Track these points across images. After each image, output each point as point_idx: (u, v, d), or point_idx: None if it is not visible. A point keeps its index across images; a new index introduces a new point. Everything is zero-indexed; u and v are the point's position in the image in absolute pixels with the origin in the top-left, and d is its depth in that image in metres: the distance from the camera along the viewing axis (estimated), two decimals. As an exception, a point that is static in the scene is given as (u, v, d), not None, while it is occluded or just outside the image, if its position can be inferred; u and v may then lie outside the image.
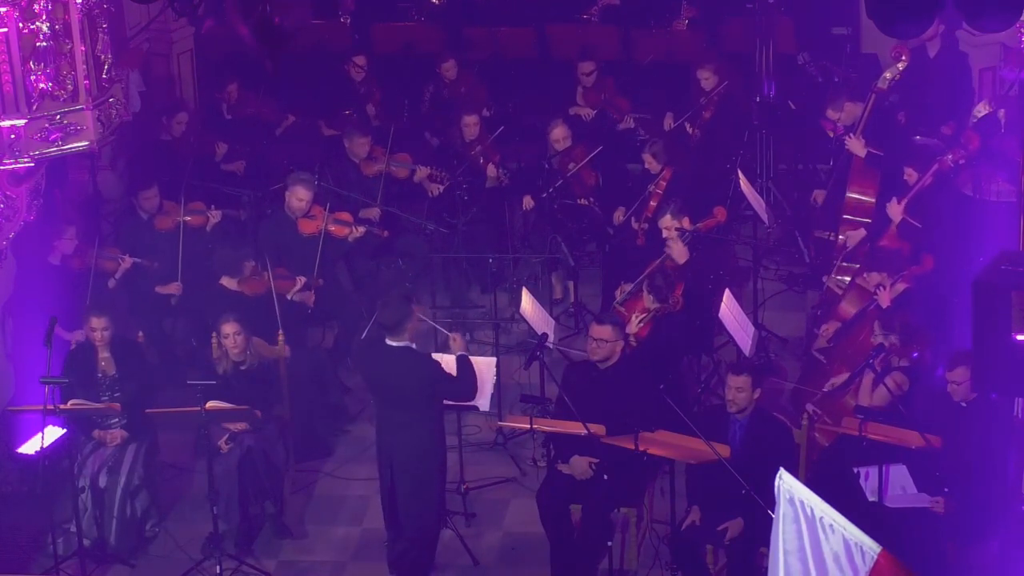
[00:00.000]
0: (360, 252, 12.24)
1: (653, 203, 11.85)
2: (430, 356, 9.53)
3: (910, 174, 11.30)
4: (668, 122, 13.20)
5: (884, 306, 10.35)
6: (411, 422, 9.28)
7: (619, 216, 12.29)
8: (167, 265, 11.59)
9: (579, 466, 9.49)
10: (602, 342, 9.64)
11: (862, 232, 11.03)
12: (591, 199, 12.42)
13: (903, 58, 11.90)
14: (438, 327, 10.24)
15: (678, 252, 11.01)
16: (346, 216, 11.85)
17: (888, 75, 11.93)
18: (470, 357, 9.58)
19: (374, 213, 12.20)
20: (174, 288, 11.50)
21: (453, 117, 13.13)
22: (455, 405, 9.85)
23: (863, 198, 11.77)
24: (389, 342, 9.27)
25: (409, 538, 9.47)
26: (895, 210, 11.03)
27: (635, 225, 11.91)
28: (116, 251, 11.50)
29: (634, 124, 13.38)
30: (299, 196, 11.62)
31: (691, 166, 12.38)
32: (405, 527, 9.47)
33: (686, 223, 11.13)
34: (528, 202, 12.51)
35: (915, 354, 9.78)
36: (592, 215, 12.53)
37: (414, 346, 9.37)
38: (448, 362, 9.67)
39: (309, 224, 11.66)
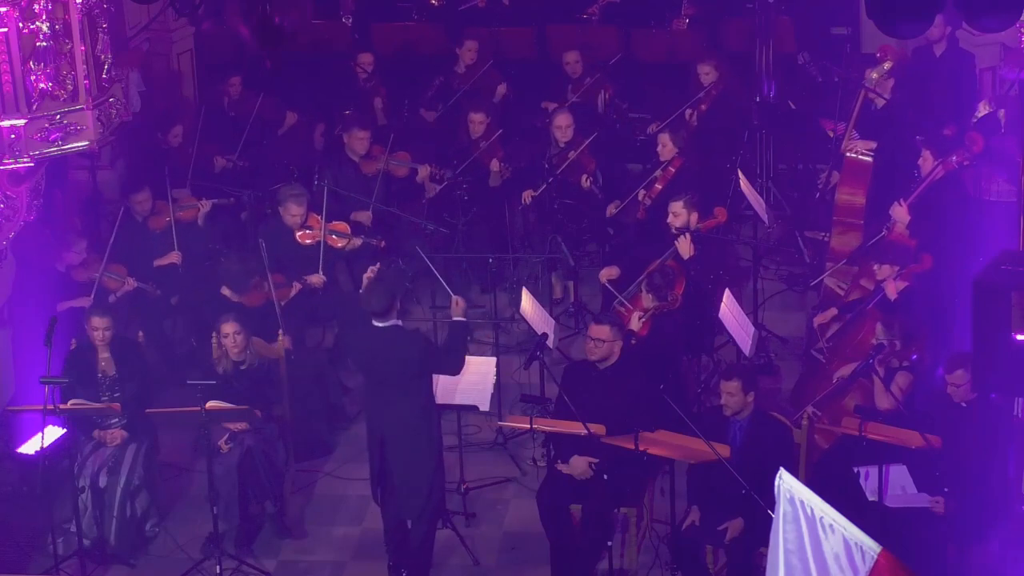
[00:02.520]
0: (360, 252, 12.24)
1: (659, 186, 11.88)
2: (417, 330, 9.55)
3: (926, 158, 11.25)
4: (653, 128, 13.20)
5: (892, 298, 10.35)
6: (401, 398, 9.29)
7: (612, 209, 12.29)
8: (167, 264, 11.62)
9: (579, 466, 9.49)
10: (600, 342, 9.64)
11: (833, 311, 10.99)
12: (591, 179, 12.43)
13: (888, 58, 11.95)
14: (443, 283, 10.11)
15: (684, 247, 11.03)
16: (343, 227, 11.85)
17: (874, 75, 11.96)
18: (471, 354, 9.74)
19: (365, 217, 12.19)
20: (174, 257, 11.51)
21: (460, 114, 13.13)
22: (455, 405, 9.87)
23: (853, 199, 11.80)
24: (376, 323, 9.29)
25: (406, 523, 9.46)
26: (900, 212, 11.02)
27: (640, 198, 11.92)
28: (123, 270, 11.44)
29: (608, 97, 13.36)
30: (292, 212, 11.64)
31: (695, 162, 12.38)
32: (401, 508, 9.45)
33: (695, 219, 11.15)
34: (527, 196, 12.48)
35: (914, 356, 9.78)
36: (592, 204, 12.51)
37: (400, 323, 9.38)
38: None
39: (306, 236, 11.67)
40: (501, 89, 13.76)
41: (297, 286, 11.26)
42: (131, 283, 11.40)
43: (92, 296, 11.03)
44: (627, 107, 13.61)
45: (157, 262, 11.58)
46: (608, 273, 11.38)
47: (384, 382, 9.35)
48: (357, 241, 11.80)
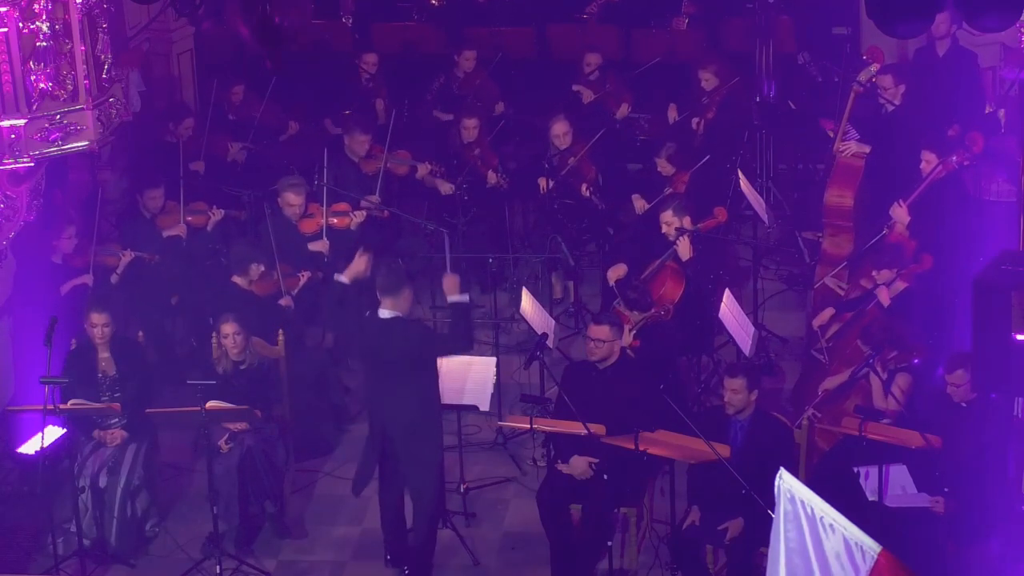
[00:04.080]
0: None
1: None
2: (418, 320, 9.53)
3: (928, 159, 11.26)
4: (672, 114, 13.20)
5: (885, 305, 10.36)
6: (402, 388, 9.28)
7: (641, 205, 12.12)
8: (168, 264, 11.62)
9: (579, 466, 9.48)
10: (600, 342, 9.63)
11: (831, 311, 10.98)
12: (591, 189, 12.42)
13: (874, 60, 11.98)
14: (448, 262, 10.03)
15: (684, 249, 11.02)
16: (343, 206, 11.87)
17: (862, 77, 11.98)
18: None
19: (375, 200, 12.21)
20: (180, 230, 11.59)
21: (454, 118, 13.14)
22: (455, 405, 9.87)
23: (842, 201, 11.82)
24: (382, 313, 9.25)
25: (404, 520, 9.47)
26: (900, 212, 11.03)
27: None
28: (116, 246, 11.51)
29: (629, 111, 13.38)
30: (290, 202, 11.67)
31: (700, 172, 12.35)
32: (408, 498, 9.44)
33: (687, 222, 11.14)
34: (544, 183, 12.44)
35: (916, 360, 9.78)
36: (592, 210, 12.51)
37: (401, 315, 9.36)
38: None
39: (309, 223, 11.69)
40: (499, 107, 13.73)
41: (305, 274, 11.28)
42: (128, 254, 11.43)
43: (91, 273, 11.05)
44: (646, 118, 13.57)
45: (165, 232, 11.62)
46: (616, 273, 11.31)
47: (386, 373, 9.34)
48: (360, 216, 11.79)
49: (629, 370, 9.71)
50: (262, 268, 10.94)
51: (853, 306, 10.69)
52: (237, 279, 10.90)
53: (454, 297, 9.36)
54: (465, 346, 9.48)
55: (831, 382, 10.08)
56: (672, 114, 13.18)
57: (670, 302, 10.81)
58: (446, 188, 12.66)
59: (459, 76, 13.88)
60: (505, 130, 13.28)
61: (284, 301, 11.01)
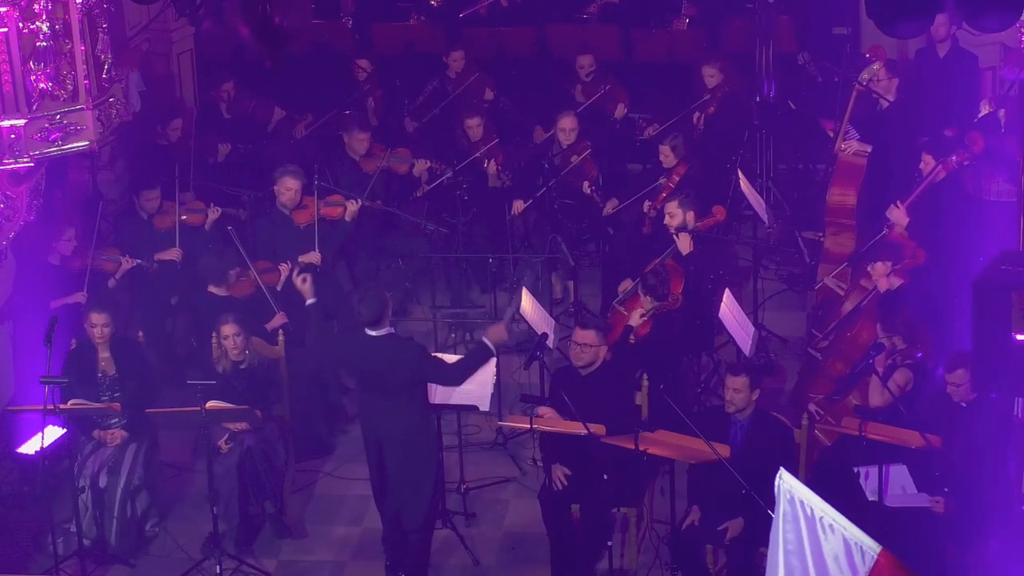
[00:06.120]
0: (359, 252, 12.24)
1: (664, 195, 11.88)
2: (412, 339, 9.53)
3: (927, 161, 11.26)
4: (650, 132, 13.21)
5: (882, 290, 10.33)
6: (397, 405, 9.27)
7: (610, 208, 12.28)
8: (166, 264, 11.62)
9: (555, 473, 9.49)
10: (586, 347, 9.60)
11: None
12: (593, 187, 12.42)
13: (877, 59, 11.97)
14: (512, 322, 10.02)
15: (684, 243, 11.02)
16: (337, 197, 11.85)
17: (865, 76, 11.98)
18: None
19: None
20: (174, 254, 11.55)
21: (456, 118, 13.12)
22: (455, 405, 9.86)
23: (844, 200, 11.82)
24: (370, 332, 9.25)
25: (405, 529, 9.46)
26: (898, 214, 11.02)
27: (646, 209, 11.93)
28: (116, 252, 11.50)
29: (626, 111, 13.38)
30: (287, 186, 11.60)
31: (699, 167, 12.36)
32: (401, 514, 9.45)
33: (691, 217, 11.15)
34: (518, 206, 12.47)
35: (919, 354, 9.77)
36: (593, 211, 12.51)
37: (394, 331, 9.37)
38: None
39: (303, 214, 11.67)
40: (488, 94, 13.74)
41: (285, 267, 11.24)
42: (129, 261, 11.41)
43: (86, 287, 11.04)
44: (641, 118, 13.56)
45: (158, 256, 11.61)
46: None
47: (379, 389, 9.33)
48: (354, 206, 11.74)
49: (608, 377, 9.64)
50: (237, 269, 10.93)
51: (857, 378, 10.41)
52: (213, 289, 10.88)
53: (488, 342, 9.36)
54: (460, 379, 9.45)
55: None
56: (650, 132, 13.19)
57: (677, 294, 10.82)
58: (420, 166, 12.60)
59: (451, 77, 13.88)
60: (506, 129, 13.26)
61: (277, 319, 10.86)
